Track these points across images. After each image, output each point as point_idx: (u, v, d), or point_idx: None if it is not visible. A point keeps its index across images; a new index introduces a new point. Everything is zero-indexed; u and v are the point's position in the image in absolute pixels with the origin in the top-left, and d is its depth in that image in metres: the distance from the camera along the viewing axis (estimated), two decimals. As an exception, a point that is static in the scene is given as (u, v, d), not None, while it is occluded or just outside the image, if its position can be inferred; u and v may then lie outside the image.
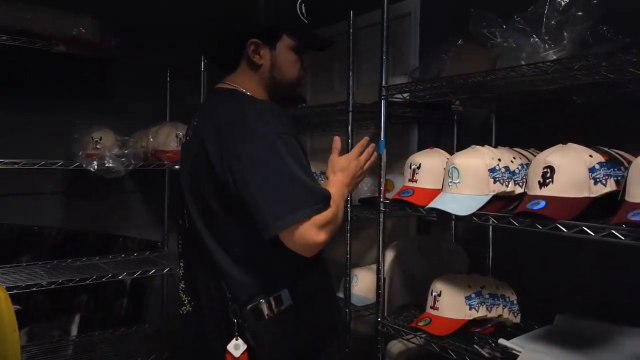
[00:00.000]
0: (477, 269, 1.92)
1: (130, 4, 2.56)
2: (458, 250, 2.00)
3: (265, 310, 1.28)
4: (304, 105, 2.47)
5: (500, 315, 1.58)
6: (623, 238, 1.07)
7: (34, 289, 2.04)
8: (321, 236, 1.19)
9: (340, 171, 1.38)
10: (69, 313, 2.55)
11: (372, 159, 1.46)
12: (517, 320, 1.63)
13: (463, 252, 1.99)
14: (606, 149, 1.30)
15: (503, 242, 1.97)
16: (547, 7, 1.35)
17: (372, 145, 1.46)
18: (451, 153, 1.57)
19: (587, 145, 1.30)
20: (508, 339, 1.46)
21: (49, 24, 2.01)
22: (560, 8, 1.33)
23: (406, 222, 2.46)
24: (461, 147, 2.20)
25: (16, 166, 2.09)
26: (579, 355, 1.37)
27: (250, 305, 1.28)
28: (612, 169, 1.23)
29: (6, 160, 2.07)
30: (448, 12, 2.23)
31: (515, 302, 1.64)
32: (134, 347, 2.48)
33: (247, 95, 1.37)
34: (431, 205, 1.43)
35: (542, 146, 1.36)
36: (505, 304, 1.60)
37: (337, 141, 1.43)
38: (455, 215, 1.37)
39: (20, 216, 2.40)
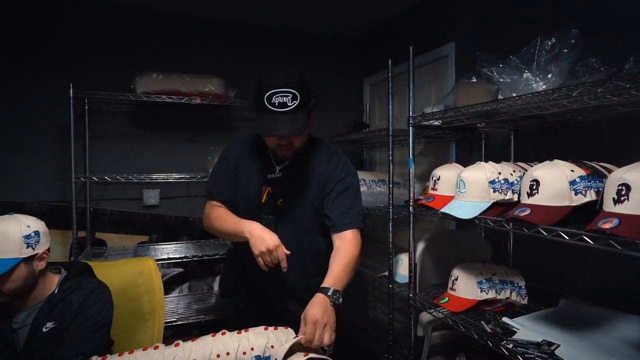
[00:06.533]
0: (500, 258, 1.74)
1: (246, 68, 2.68)
2: (483, 243, 1.83)
3: None
4: (367, 129, 2.44)
5: (508, 298, 1.42)
6: (592, 243, 0.91)
7: (188, 259, 2.24)
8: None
9: (255, 237, 1.17)
10: (212, 275, 2.75)
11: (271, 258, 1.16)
12: (525, 302, 1.45)
13: (487, 244, 1.82)
14: (592, 164, 1.12)
15: (522, 236, 1.75)
16: (537, 47, 1.20)
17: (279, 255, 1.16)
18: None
19: (577, 160, 1.12)
20: (514, 317, 1.32)
21: (190, 85, 2.17)
22: (548, 47, 1.17)
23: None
24: (489, 159, 2.03)
25: (172, 180, 2.32)
26: (573, 335, 1.19)
27: None
28: (593, 182, 1.05)
29: (166, 175, 2.31)
30: (475, 54, 2.05)
31: (523, 286, 1.46)
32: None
33: None
34: (442, 210, 1.33)
35: (551, 158, 1.18)
36: (513, 288, 1.44)
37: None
38: (459, 218, 1.25)
39: (180, 210, 2.62)
